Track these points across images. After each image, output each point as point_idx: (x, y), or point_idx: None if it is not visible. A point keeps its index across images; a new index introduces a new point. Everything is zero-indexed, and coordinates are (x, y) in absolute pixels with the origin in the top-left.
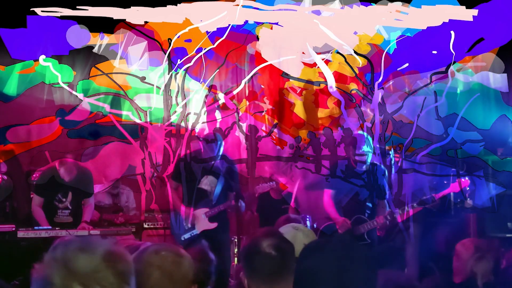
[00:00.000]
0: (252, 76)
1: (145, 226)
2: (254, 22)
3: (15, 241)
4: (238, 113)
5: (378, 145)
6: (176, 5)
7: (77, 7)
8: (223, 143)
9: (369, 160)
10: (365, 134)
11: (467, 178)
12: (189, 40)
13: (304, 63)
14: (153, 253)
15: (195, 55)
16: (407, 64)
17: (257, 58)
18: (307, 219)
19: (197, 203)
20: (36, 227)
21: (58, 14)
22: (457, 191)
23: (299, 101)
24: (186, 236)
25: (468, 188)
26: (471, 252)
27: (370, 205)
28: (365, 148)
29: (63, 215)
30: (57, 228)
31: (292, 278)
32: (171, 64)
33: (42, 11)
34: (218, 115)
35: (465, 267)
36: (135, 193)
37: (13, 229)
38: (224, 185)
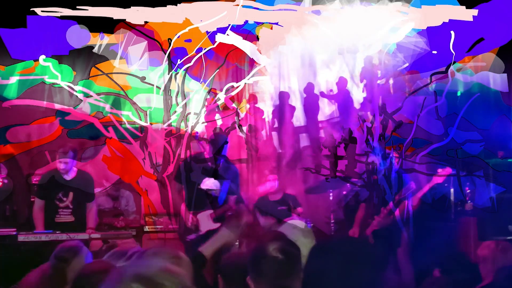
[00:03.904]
0: (252, 76)
1: (146, 229)
2: (254, 22)
3: (15, 244)
4: (238, 114)
5: (378, 145)
6: (176, 5)
7: (77, 7)
8: (227, 143)
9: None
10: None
11: (447, 167)
12: (189, 40)
13: None
14: (152, 255)
15: (195, 55)
16: (407, 64)
17: None
18: (307, 222)
19: (200, 204)
20: (36, 231)
21: (58, 14)
22: (440, 182)
23: (299, 103)
24: (191, 237)
25: (469, 187)
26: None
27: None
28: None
29: (64, 215)
30: (57, 232)
31: (299, 281)
32: (171, 64)
33: (42, 11)
34: (218, 115)
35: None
36: (135, 196)
37: (14, 233)
38: (228, 187)
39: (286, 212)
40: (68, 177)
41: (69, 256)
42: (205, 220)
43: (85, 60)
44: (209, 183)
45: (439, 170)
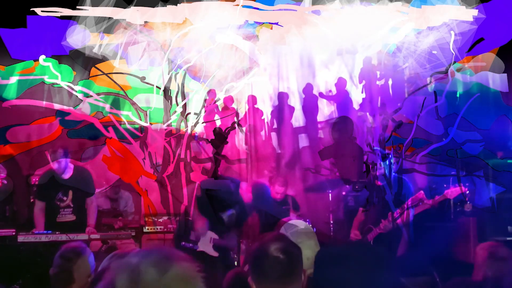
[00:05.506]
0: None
1: (145, 230)
2: (254, 22)
3: (15, 245)
4: (237, 115)
5: (378, 145)
6: (176, 5)
7: (77, 7)
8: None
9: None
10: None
11: (461, 185)
12: (189, 40)
13: None
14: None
15: (195, 55)
16: (407, 64)
17: None
18: (307, 222)
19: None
20: (35, 232)
21: (58, 14)
22: (451, 198)
23: (298, 104)
24: (186, 245)
25: (468, 193)
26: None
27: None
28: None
29: (66, 214)
30: (57, 232)
31: (300, 281)
32: (171, 64)
33: (42, 11)
34: (217, 116)
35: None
36: (135, 197)
37: (13, 233)
38: (238, 218)
39: (287, 211)
40: (66, 175)
41: (74, 256)
42: (206, 241)
43: (85, 60)
44: (228, 213)
45: (451, 187)
